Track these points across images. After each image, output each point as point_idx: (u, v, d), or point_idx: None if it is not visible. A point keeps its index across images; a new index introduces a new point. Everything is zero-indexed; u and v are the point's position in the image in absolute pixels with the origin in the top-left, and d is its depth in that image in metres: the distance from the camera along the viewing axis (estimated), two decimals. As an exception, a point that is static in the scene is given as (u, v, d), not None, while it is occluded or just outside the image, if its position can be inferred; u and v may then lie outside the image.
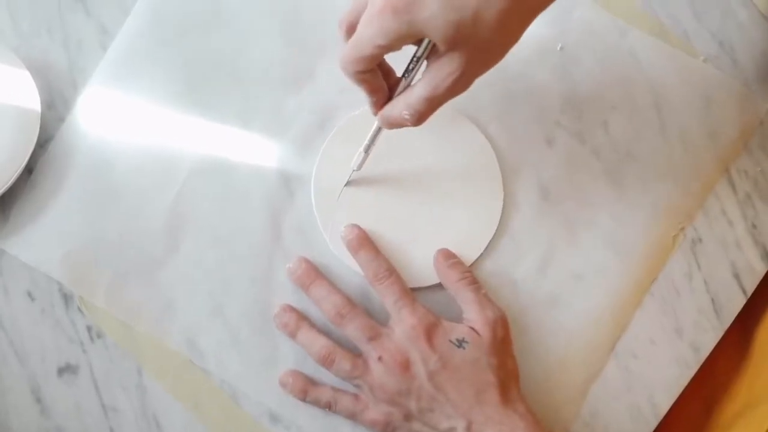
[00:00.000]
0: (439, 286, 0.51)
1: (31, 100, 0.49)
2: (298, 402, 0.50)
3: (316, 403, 0.49)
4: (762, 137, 0.56)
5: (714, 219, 0.54)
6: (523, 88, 0.55)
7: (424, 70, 0.43)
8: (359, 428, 0.50)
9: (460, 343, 0.47)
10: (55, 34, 0.52)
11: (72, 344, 0.50)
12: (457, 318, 0.49)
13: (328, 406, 0.49)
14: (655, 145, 0.55)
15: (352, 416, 0.49)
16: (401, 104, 0.44)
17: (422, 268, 0.51)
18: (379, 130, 0.48)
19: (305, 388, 0.49)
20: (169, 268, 0.51)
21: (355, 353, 0.49)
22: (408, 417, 0.47)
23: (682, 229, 0.54)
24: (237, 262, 0.51)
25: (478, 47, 0.40)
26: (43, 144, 0.51)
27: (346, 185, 0.52)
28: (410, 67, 0.44)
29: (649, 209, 0.54)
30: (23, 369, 0.49)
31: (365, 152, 0.50)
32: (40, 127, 0.49)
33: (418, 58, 0.43)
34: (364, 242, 0.51)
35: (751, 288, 0.54)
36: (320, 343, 0.49)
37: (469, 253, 0.52)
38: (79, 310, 0.50)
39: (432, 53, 0.42)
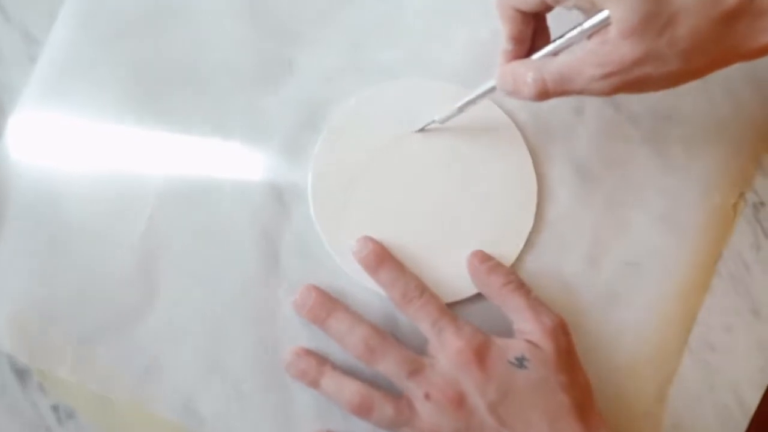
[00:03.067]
0: (478, 296, 0.43)
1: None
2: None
3: None
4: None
5: (774, 178, 0.48)
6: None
7: (579, 45, 0.36)
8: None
9: (520, 363, 0.39)
10: (-32, 48, 0.42)
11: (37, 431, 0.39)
12: (508, 332, 0.41)
13: None
14: (697, 105, 0.47)
15: None
16: (533, 66, 0.37)
17: (455, 278, 0.43)
18: (490, 89, 0.40)
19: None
20: (147, 319, 0.41)
21: (395, 394, 0.40)
22: None
23: (742, 194, 0.47)
24: (230, 301, 0.42)
25: (653, 54, 0.33)
26: (-33, 186, 0.40)
27: (419, 130, 0.44)
28: (566, 35, 0.36)
29: (701, 178, 0.46)
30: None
31: (459, 109, 0.42)
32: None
33: (582, 31, 0.35)
34: (384, 257, 0.42)
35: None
36: (352, 388, 0.40)
37: (506, 253, 0.44)
38: (40, 387, 0.40)
39: (599, 33, 0.35)
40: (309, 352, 0.41)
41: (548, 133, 0.45)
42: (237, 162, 0.43)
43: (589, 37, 0.36)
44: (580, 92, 0.36)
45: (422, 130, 0.44)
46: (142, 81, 0.43)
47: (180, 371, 0.41)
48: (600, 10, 0.34)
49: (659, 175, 0.46)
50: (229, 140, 0.43)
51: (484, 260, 0.42)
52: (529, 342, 0.40)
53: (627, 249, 0.45)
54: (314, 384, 0.40)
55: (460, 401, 0.38)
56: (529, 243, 0.44)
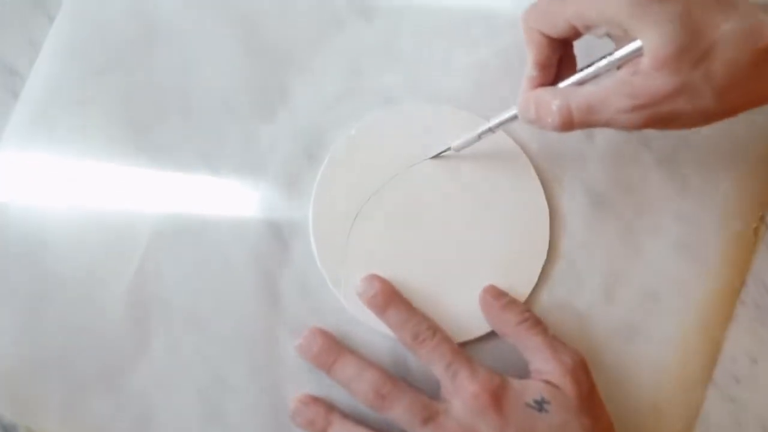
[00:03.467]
0: (491, 335, 0.40)
1: None
2: None
3: None
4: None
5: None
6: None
7: (608, 75, 0.34)
8: None
9: (540, 406, 0.36)
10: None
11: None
12: (524, 373, 0.39)
13: None
14: (712, 125, 0.45)
15: None
16: (559, 94, 0.35)
17: (466, 317, 0.40)
18: (511, 118, 0.38)
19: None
20: (139, 369, 0.39)
21: None
22: None
23: (762, 217, 0.45)
24: (228, 345, 0.39)
25: (687, 88, 0.32)
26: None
27: (433, 157, 0.42)
28: (595, 63, 0.35)
29: (720, 201, 0.44)
30: None
31: (479, 136, 0.40)
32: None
33: (613, 60, 0.34)
34: (392, 297, 0.39)
35: None
36: None
37: (520, 288, 0.41)
38: (27, 444, 0.37)
39: (631, 63, 0.33)
40: (316, 400, 0.39)
41: (559, 160, 0.43)
42: (232, 197, 0.41)
43: (619, 66, 0.34)
44: (606, 124, 0.34)
45: (437, 157, 0.42)
46: (131, 114, 0.41)
47: (175, 421, 0.38)
48: (633, 39, 0.32)
49: (675, 200, 0.44)
50: (222, 174, 0.41)
51: (498, 297, 0.40)
52: (548, 383, 0.37)
53: (644, 279, 0.43)
54: None
55: None
56: (542, 276, 0.42)
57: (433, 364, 0.38)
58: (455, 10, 0.45)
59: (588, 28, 0.34)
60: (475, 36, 0.44)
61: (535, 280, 0.41)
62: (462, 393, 0.37)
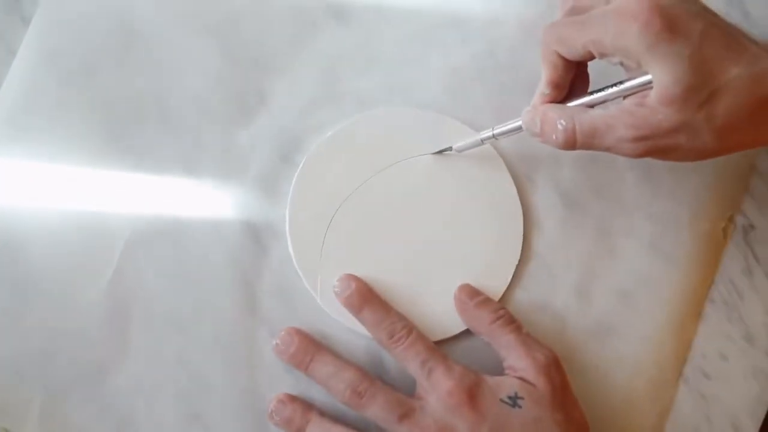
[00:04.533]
0: (466, 333, 0.41)
1: None
2: None
3: None
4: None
5: (763, 200, 0.46)
6: (517, 78, 0.45)
7: (615, 102, 0.36)
8: None
9: (513, 401, 0.37)
10: None
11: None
12: (499, 370, 0.39)
13: None
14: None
15: None
16: (566, 114, 0.36)
17: (442, 315, 0.41)
18: (515, 129, 0.39)
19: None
20: (118, 372, 0.39)
21: None
22: None
23: (731, 217, 0.46)
24: (207, 347, 0.40)
25: (689, 126, 0.33)
26: None
27: (435, 153, 0.43)
28: (605, 89, 0.36)
29: (690, 201, 0.45)
30: None
31: (482, 141, 0.41)
32: None
33: (622, 90, 0.35)
34: (368, 296, 0.40)
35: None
36: None
37: (494, 286, 0.42)
38: (5, 448, 0.37)
39: (639, 93, 0.34)
40: (294, 399, 0.39)
41: (533, 161, 0.44)
42: (209, 200, 0.41)
43: (625, 96, 0.35)
44: (607, 150, 0.35)
45: (439, 153, 0.43)
46: (108, 118, 0.41)
47: (156, 425, 0.39)
48: (644, 73, 0.34)
49: (648, 201, 0.45)
50: (200, 178, 0.41)
51: (472, 295, 0.41)
52: (522, 379, 0.38)
53: (617, 278, 0.43)
54: None
55: None
56: (516, 275, 0.43)
57: (408, 362, 0.38)
58: (430, 15, 0.45)
59: (603, 55, 0.35)
60: (449, 41, 0.45)
61: (509, 278, 0.42)
62: (437, 390, 0.37)
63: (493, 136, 0.40)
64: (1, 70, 0.41)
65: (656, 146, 0.34)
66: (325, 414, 0.39)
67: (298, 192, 0.42)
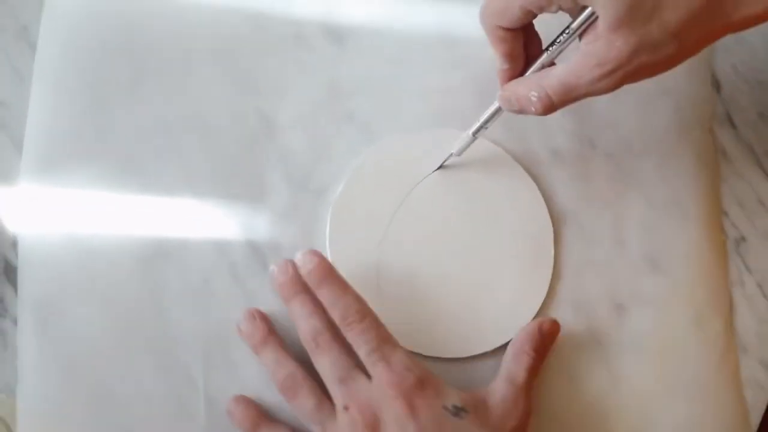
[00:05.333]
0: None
1: None
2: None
3: None
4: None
5: (753, 212, 0.48)
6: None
7: (573, 51, 0.36)
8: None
9: (456, 412, 0.38)
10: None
11: None
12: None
13: None
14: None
15: None
16: (533, 82, 0.37)
17: (482, 329, 0.43)
18: (497, 111, 0.40)
19: (257, 422, 0.40)
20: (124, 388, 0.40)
21: (326, 393, 0.39)
22: None
23: (722, 229, 0.47)
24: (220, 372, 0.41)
25: (646, 42, 0.33)
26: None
27: (438, 169, 0.44)
28: (558, 40, 0.37)
29: (680, 210, 0.46)
30: None
31: (473, 135, 0.42)
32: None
33: (571, 32, 0.36)
34: (329, 274, 0.40)
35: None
36: (287, 369, 0.39)
37: (530, 304, 0.44)
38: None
39: (589, 31, 0.35)
40: (264, 317, 0.41)
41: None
42: (216, 223, 0.42)
43: (580, 37, 0.36)
44: (585, 96, 0.36)
45: (441, 167, 0.44)
46: (116, 146, 0.42)
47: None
48: (584, 8, 0.35)
49: (643, 212, 0.46)
50: (206, 199, 0.43)
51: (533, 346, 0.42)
52: (481, 400, 0.39)
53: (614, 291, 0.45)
54: (256, 350, 0.40)
55: (374, 427, 0.37)
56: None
57: (357, 348, 0.39)
58: (425, 36, 0.46)
59: (541, 8, 0.36)
60: (445, 61, 0.46)
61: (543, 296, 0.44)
62: (379, 380, 0.38)
63: (482, 126, 0.41)
64: (11, 96, 0.42)
65: (626, 73, 0.35)
66: (284, 346, 0.40)
67: (336, 232, 0.43)
